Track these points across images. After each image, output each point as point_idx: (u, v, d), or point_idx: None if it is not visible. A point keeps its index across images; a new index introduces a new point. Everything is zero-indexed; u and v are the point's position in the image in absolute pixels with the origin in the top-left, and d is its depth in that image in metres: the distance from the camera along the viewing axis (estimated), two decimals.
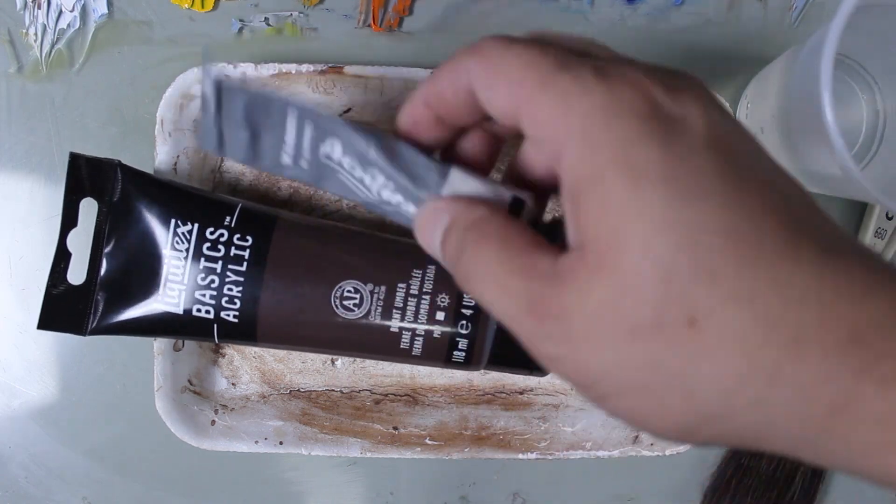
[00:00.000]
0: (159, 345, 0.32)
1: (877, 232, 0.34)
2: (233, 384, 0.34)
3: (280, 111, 0.20)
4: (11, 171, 0.34)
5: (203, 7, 0.34)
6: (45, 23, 0.34)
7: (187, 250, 0.27)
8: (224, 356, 0.34)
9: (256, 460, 0.35)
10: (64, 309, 0.28)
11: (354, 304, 0.26)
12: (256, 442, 0.32)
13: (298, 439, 0.32)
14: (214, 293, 0.27)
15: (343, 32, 0.34)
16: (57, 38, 0.34)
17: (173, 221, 0.27)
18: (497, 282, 0.16)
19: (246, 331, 0.27)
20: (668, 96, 0.15)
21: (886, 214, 0.34)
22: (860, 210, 0.34)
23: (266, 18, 0.34)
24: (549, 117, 0.16)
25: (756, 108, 0.30)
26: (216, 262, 0.27)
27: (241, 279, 0.26)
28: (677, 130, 0.15)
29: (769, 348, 0.13)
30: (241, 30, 0.34)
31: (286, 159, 0.21)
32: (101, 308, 0.28)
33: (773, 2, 0.34)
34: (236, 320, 0.27)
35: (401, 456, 0.32)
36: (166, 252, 0.27)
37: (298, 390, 0.34)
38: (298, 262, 0.27)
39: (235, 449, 0.32)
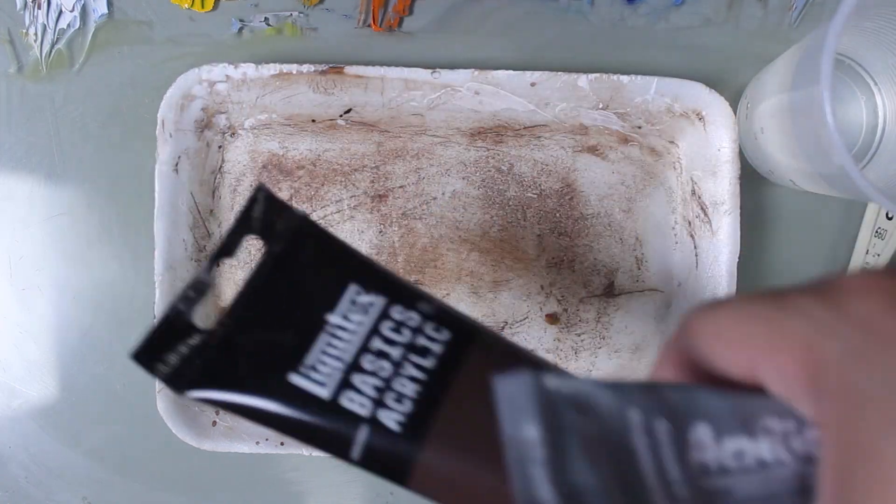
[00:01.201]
0: None
1: (877, 232, 0.34)
2: None
3: (618, 421, 0.14)
4: (11, 171, 0.34)
5: (203, 7, 0.34)
6: (45, 23, 0.34)
7: (361, 323, 0.20)
8: None
9: (257, 461, 0.35)
10: (174, 347, 0.21)
11: None
12: (258, 443, 0.32)
13: None
14: (380, 384, 0.19)
15: (343, 32, 0.34)
16: (57, 38, 0.34)
17: (354, 287, 0.20)
18: None
19: (403, 449, 0.19)
20: None
21: (886, 214, 0.34)
22: (860, 210, 0.34)
23: (266, 18, 0.34)
24: (791, 375, 0.14)
25: (756, 108, 0.30)
26: (394, 346, 0.20)
27: (423, 376, 0.19)
28: None
29: None
30: (241, 30, 0.34)
31: None
32: (220, 363, 0.20)
33: (773, 2, 0.34)
34: (398, 428, 0.19)
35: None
36: (333, 318, 0.20)
37: None
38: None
39: (237, 450, 0.32)
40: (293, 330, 0.20)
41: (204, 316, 0.33)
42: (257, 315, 0.20)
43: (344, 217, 0.34)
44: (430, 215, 0.34)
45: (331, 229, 0.33)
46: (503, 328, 0.34)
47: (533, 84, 0.31)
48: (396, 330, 0.20)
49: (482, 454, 0.18)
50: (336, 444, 0.19)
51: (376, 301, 0.20)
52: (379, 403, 0.19)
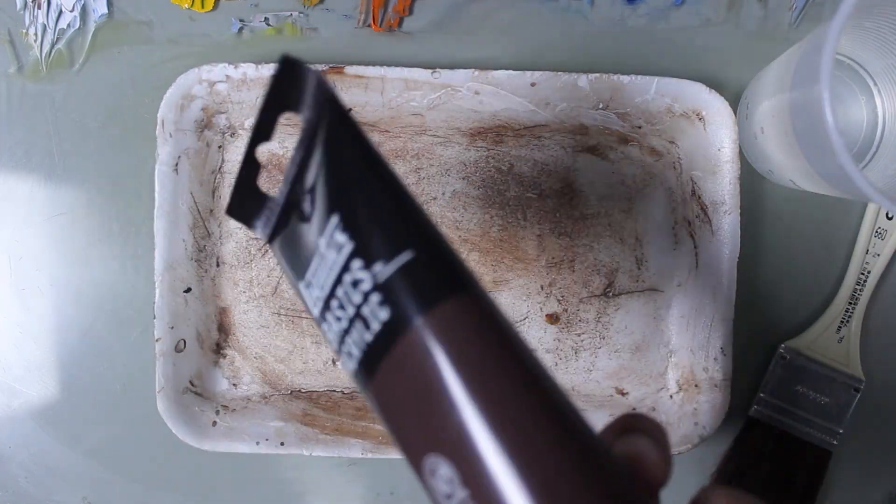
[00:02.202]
0: (161, 346, 0.32)
1: (877, 232, 0.34)
2: (234, 385, 0.34)
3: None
4: (11, 171, 0.34)
5: (203, 7, 0.34)
6: (45, 23, 0.34)
7: (334, 262, 0.19)
8: (225, 357, 0.34)
9: (257, 461, 0.35)
10: (254, 205, 0.21)
11: (444, 495, 0.17)
12: (258, 443, 0.32)
13: (299, 440, 0.32)
14: (342, 328, 0.19)
15: (343, 32, 0.34)
16: (57, 38, 0.34)
17: (335, 219, 0.19)
18: None
19: (361, 381, 0.19)
20: None
21: (886, 214, 0.34)
22: (860, 210, 0.34)
23: (266, 18, 0.34)
24: None
25: (756, 108, 0.30)
26: (349, 304, 0.18)
27: (364, 346, 0.18)
28: None
29: None
30: (241, 30, 0.34)
31: None
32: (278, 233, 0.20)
33: (773, 2, 0.34)
34: (355, 368, 0.19)
35: (401, 456, 0.32)
36: (321, 245, 0.19)
37: (300, 391, 0.34)
38: (408, 391, 0.17)
39: (237, 450, 0.32)
40: (305, 243, 0.20)
41: (204, 316, 0.33)
42: (294, 197, 0.20)
43: None
44: (429, 215, 0.34)
45: None
46: None
47: (533, 84, 0.31)
48: (354, 286, 0.18)
49: (410, 409, 0.18)
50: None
51: (346, 245, 0.18)
52: (343, 340, 0.19)
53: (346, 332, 0.19)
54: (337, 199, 0.19)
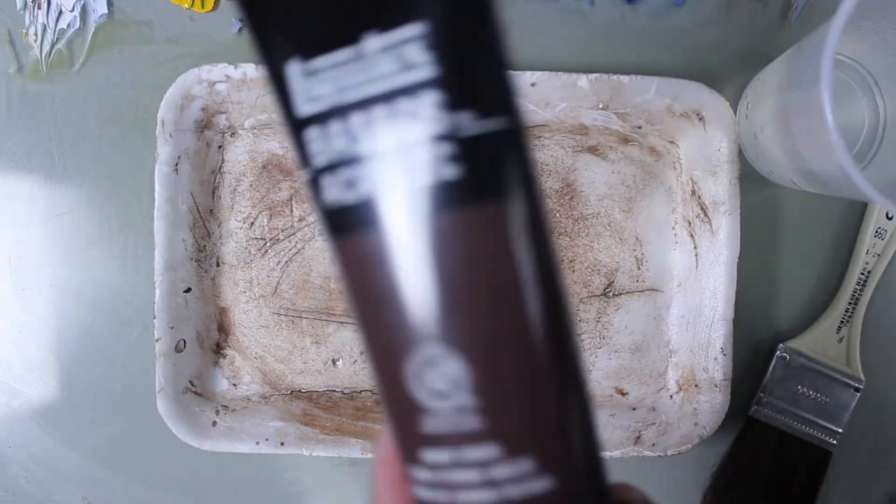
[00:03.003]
0: (161, 346, 0.32)
1: (877, 232, 0.34)
2: (234, 385, 0.34)
3: None
4: (11, 171, 0.34)
5: (203, 7, 0.34)
6: (45, 23, 0.34)
7: (381, 75, 0.15)
8: (225, 357, 0.34)
9: (257, 460, 0.35)
10: None
11: (437, 393, 0.15)
12: (258, 443, 0.32)
13: (299, 440, 0.32)
14: (340, 152, 0.16)
15: None
16: (57, 38, 0.34)
17: (417, 28, 0.14)
18: None
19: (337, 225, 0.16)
20: None
21: (886, 214, 0.34)
22: (860, 210, 0.34)
23: None
24: None
25: (756, 108, 0.30)
26: (377, 133, 0.15)
27: (350, 200, 0.15)
28: None
29: None
30: (241, 30, 0.34)
31: None
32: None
33: (773, 2, 0.34)
34: (335, 213, 0.15)
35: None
36: (372, 44, 0.14)
37: (300, 391, 0.34)
38: (443, 262, 0.15)
39: (237, 450, 0.32)
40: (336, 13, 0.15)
41: (204, 316, 0.33)
42: None
43: None
44: None
45: None
46: None
47: (533, 84, 0.31)
48: (411, 116, 0.15)
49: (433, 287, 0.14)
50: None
51: (422, 68, 0.14)
52: (336, 167, 0.15)
53: (357, 159, 0.15)
54: (428, 7, 0.14)
